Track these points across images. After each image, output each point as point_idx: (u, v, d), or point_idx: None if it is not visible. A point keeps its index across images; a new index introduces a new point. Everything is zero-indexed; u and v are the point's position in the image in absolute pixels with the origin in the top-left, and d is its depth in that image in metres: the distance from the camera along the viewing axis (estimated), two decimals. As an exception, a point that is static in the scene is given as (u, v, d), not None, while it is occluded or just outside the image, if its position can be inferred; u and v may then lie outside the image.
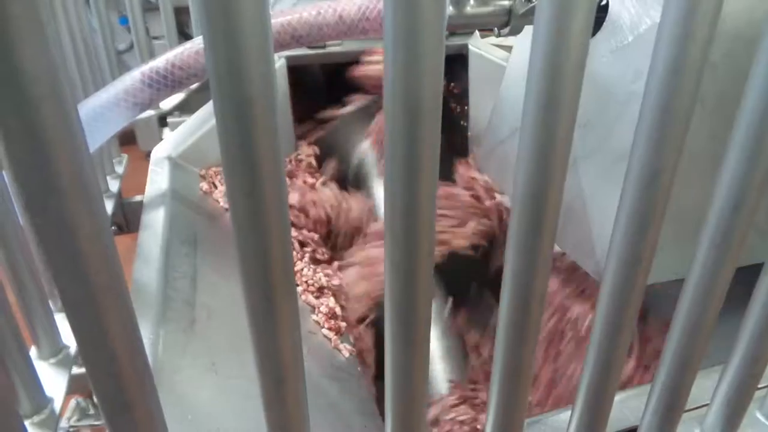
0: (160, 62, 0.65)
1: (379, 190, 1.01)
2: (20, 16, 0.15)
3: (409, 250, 0.23)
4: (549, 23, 0.22)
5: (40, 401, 0.42)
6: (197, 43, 0.65)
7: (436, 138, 0.22)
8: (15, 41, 0.15)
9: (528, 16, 0.57)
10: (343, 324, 0.77)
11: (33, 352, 0.47)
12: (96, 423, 0.94)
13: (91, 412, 0.95)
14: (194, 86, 1.08)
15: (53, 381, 0.45)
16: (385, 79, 0.21)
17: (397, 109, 0.21)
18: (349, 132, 1.06)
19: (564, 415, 0.43)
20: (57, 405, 0.43)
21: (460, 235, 0.90)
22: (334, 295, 0.80)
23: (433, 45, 0.20)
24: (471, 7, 0.56)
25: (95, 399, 0.22)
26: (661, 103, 0.25)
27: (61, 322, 0.49)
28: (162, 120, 1.39)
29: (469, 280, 0.99)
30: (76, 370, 0.50)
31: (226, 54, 0.18)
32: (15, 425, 0.22)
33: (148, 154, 0.88)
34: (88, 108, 0.63)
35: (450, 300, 0.94)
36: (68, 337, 0.50)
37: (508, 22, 0.57)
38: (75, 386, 0.49)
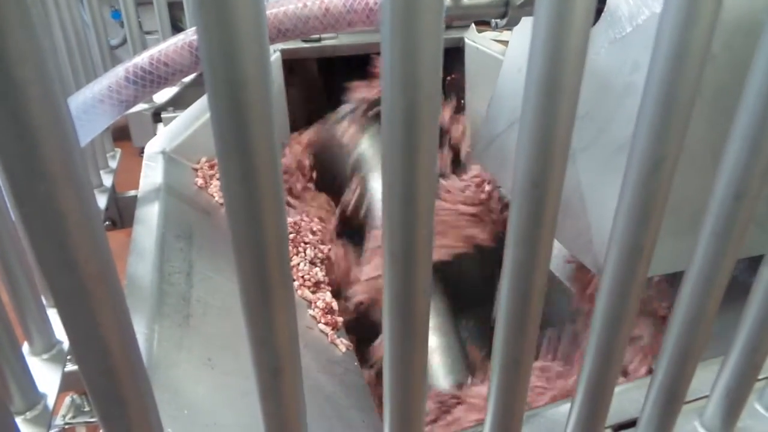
0: (143, 59, 0.64)
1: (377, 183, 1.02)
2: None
3: (407, 240, 0.23)
4: (550, 10, 0.21)
5: (33, 397, 0.41)
6: (181, 38, 0.64)
7: (434, 128, 0.21)
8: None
9: (526, 7, 0.56)
10: (340, 319, 0.76)
11: (25, 347, 0.47)
12: (91, 420, 0.93)
13: (87, 408, 0.95)
14: (187, 81, 1.08)
15: (46, 377, 0.45)
16: (383, 69, 0.20)
17: (396, 99, 0.20)
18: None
19: (563, 408, 0.43)
20: (50, 401, 0.42)
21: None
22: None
23: (432, 32, 0.19)
24: (468, -2, 0.56)
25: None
26: (663, 91, 0.25)
27: (54, 317, 0.49)
28: (156, 115, 1.38)
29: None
30: (70, 366, 0.49)
31: (219, 38, 0.17)
32: (5, 421, 0.21)
33: (141, 150, 0.87)
34: (72, 105, 0.63)
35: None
36: (61, 333, 0.49)
37: (506, 13, 0.57)
38: (69, 383, 0.48)
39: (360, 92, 1.01)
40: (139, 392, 0.21)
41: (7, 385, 0.39)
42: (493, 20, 0.61)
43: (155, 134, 1.30)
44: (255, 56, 0.17)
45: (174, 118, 1.13)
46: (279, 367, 0.23)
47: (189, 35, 0.64)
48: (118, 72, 0.64)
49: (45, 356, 0.46)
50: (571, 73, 0.23)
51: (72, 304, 0.18)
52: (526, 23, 0.65)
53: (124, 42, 1.99)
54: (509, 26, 0.61)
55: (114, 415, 0.21)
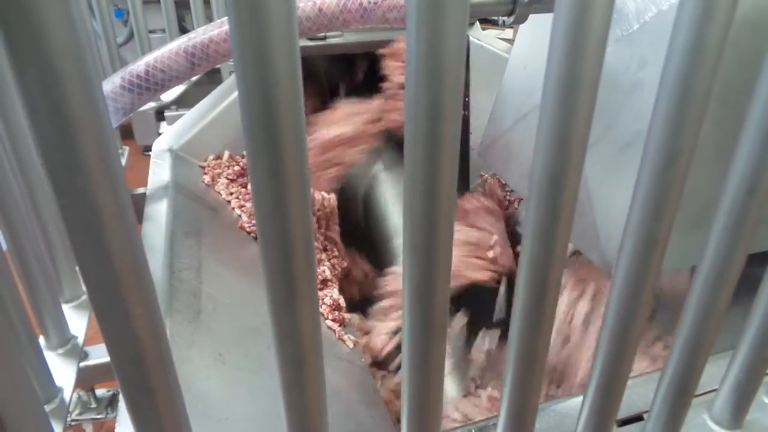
0: (139, 66, 0.64)
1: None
2: (48, -7, 0.15)
3: (429, 231, 0.23)
4: (570, 5, 0.22)
5: (51, 391, 0.42)
6: (176, 44, 0.64)
7: (457, 122, 0.22)
8: (43, 20, 0.15)
9: (533, 5, 0.56)
10: (347, 315, 0.77)
11: (41, 342, 0.47)
12: (97, 417, 0.93)
13: (93, 405, 0.95)
14: (193, 79, 1.08)
15: (62, 371, 0.45)
16: (408, 63, 0.21)
17: (420, 93, 0.21)
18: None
19: (574, 402, 0.43)
20: (66, 395, 0.43)
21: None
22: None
23: (457, 28, 0.20)
24: (476, -4, 0.56)
25: (117, 385, 0.22)
26: (679, 86, 0.25)
27: (69, 312, 0.49)
28: (159, 114, 1.38)
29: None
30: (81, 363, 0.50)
31: (251, 35, 0.17)
32: (37, 411, 0.22)
33: (145, 148, 0.87)
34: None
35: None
36: (76, 328, 0.50)
37: (513, 10, 0.57)
38: (79, 380, 0.48)
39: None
40: (167, 382, 0.22)
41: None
42: (500, 18, 0.62)
43: (158, 132, 1.30)
44: (286, 54, 0.18)
45: (177, 116, 1.13)
46: (303, 360, 0.23)
47: (184, 41, 0.64)
48: (115, 80, 0.64)
49: (60, 351, 0.47)
50: (590, 71, 0.23)
51: (106, 294, 0.19)
52: (532, 20, 0.65)
53: (126, 41, 1.99)
54: (516, 24, 0.61)
55: (143, 404, 0.22)
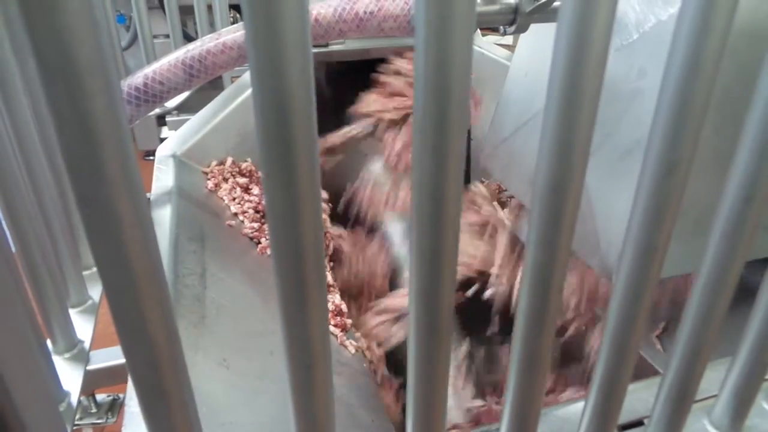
0: (138, 78, 0.65)
1: (393, 227, 1.00)
2: (76, 10, 0.15)
3: (435, 239, 0.24)
4: (572, 15, 0.22)
5: (59, 395, 0.42)
6: (174, 56, 0.65)
7: (463, 132, 0.22)
8: (73, 36, 0.15)
9: (534, 15, 0.57)
10: (349, 321, 0.77)
11: (48, 346, 0.48)
12: (98, 421, 0.94)
13: (93, 410, 0.95)
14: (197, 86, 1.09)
15: (69, 375, 0.46)
16: (416, 76, 0.21)
17: (428, 104, 0.21)
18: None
19: (575, 408, 0.44)
20: (73, 399, 0.43)
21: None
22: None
23: (463, 41, 0.20)
24: (478, 5, 0.57)
25: (118, 391, 0.22)
26: (679, 94, 0.26)
27: (76, 317, 0.50)
28: (161, 119, 1.39)
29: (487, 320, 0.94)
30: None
31: (266, 48, 0.18)
32: (56, 419, 0.22)
33: (146, 153, 0.88)
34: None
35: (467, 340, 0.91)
36: (82, 332, 0.50)
37: (515, 20, 0.58)
38: (85, 384, 0.49)
39: (373, 106, 0.96)
40: (181, 384, 0.22)
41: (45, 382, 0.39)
42: (501, 27, 0.62)
43: (160, 137, 1.30)
44: (300, 66, 0.18)
45: (179, 121, 1.13)
46: (312, 363, 0.24)
47: (182, 53, 0.65)
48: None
49: (67, 355, 0.47)
50: (592, 80, 0.24)
51: (124, 299, 0.19)
52: (533, 29, 0.66)
53: (129, 46, 2.00)
54: (518, 33, 0.62)
55: (157, 406, 0.22)
